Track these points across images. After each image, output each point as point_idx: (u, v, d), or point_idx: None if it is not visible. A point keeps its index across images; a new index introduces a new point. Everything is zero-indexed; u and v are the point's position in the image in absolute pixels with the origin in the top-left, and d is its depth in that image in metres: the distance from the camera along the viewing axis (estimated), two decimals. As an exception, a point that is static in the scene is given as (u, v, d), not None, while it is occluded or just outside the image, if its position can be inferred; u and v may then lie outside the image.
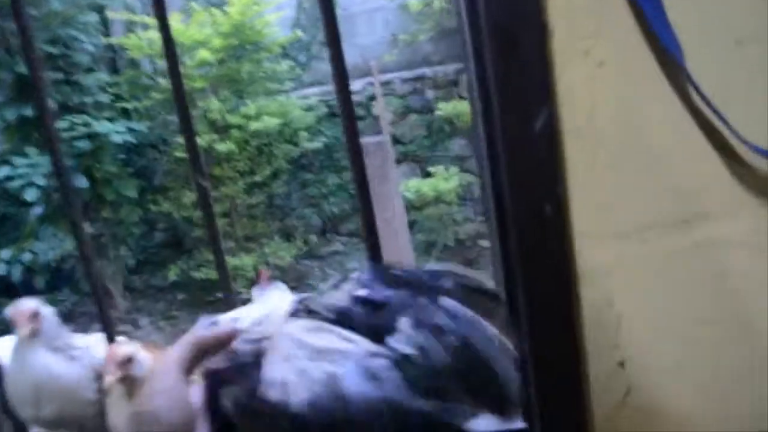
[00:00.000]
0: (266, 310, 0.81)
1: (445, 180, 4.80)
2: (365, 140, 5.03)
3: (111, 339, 0.93)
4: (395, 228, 4.23)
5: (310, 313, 0.74)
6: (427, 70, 5.51)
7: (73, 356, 0.87)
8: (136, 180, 4.52)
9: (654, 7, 0.63)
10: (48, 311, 0.86)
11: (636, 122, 0.70)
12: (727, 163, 0.69)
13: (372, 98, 5.29)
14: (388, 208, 3.85)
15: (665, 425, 0.79)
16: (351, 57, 5.47)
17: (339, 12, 5.32)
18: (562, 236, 0.72)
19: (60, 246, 4.33)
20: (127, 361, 0.75)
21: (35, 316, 0.83)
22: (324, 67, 5.58)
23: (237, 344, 0.71)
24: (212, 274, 4.37)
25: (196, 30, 4.07)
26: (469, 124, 5.07)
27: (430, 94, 5.52)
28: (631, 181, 0.71)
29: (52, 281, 4.67)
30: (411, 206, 4.87)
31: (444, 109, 4.91)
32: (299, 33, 4.98)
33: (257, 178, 4.59)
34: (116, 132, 3.96)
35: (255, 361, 0.68)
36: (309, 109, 5.16)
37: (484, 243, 5.35)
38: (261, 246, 4.73)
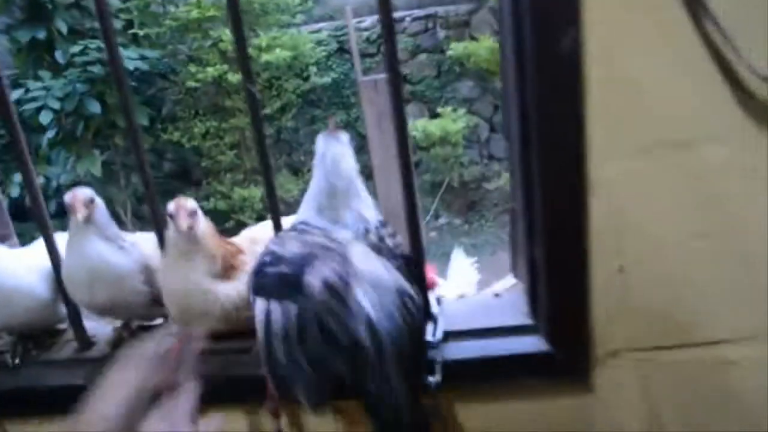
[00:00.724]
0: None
1: (453, 121, 4.83)
2: (377, 77, 5.04)
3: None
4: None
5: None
6: (439, 9, 5.45)
7: (123, 247, 0.96)
8: (147, 108, 4.56)
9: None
10: (100, 201, 0.94)
11: (648, 51, 0.77)
12: (731, 89, 0.76)
13: (380, 37, 5.25)
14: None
15: (663, 328, 0.89)
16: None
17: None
18: (577, 151, 0.80)
19: (72, 171, 4.40)
20: (193, 213, 0.84)
21: (90, 202, 0.90)
22: (335, 1, 5.52)
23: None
24: (221, 204, 4.46)
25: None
26: (479, 66, 5.08)
27: (441, 33, 5.48)
28: (641, 103, 0.79)
29: (63, 206, 4.77)
30: (418, 146, 4.92)
31: (455, 49, 4.89)
32: (312, -37, 4.93)
33: (267, 111, 4.62)
34: (129, 58, 3.97)
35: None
36: (319, 43, 5.14)
37: (489, 186, 5.43)
38: (268, 178, 4.80)
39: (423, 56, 5.52)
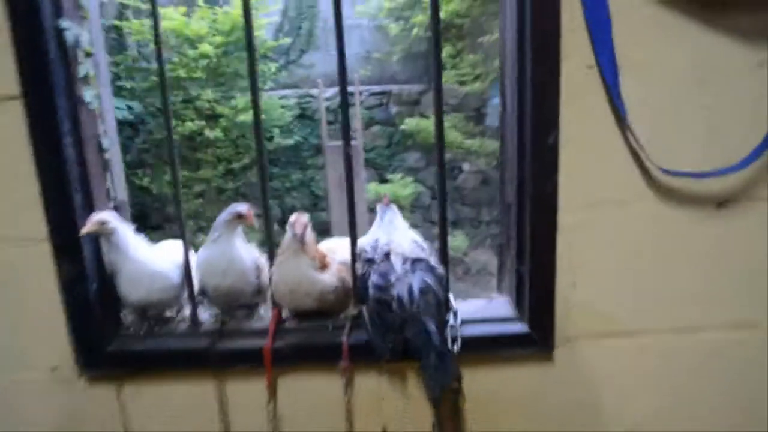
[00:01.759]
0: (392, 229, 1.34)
1: (402, 186, 5.37)
2: (341, 143, 5.54)
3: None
4: (360, 223, 4.79)
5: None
6: (393, 87, 6.10)
7: (247, 250, 1.36)
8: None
9: (611, 73, 1.21)
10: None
11: (595, 146, 1.28)
12: (640, 170, 1.28)
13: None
14: (358, 203, 4.39)
15: (599, 322, 1.37)
16: (327, 66, 6.00)
17: (320, 24, 5.84)
18: (553, 207, 1.29)
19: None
20: (305, 225, 1.27)
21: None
22: (300, 71, 6.06)
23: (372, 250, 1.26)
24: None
25: (198, 25, 4.48)
26: (427, 140, 5.69)
27: (393, 109, 6.10)
28: (590, 177, 1.29)
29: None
30: (369, 208, 5.41)
31: (408, 124, 5.50)
32: (287, 39, 5.47)
33: (233, 166, 5.00)
34: (117, 108, 4.30)
35: (385, 257, 1.23)
36: (284, 108, 5.62)
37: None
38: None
39: (376, 128, 6.11)
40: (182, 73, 4.51)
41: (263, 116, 4.47)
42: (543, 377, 1.40)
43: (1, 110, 1.22)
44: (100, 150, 1.31)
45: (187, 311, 1.42)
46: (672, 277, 1.36)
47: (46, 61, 1.17)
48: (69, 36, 1.19)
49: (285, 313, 1.39)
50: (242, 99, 4.78)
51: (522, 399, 1.41)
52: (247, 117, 4.70)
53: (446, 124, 5.53)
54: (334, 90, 5.96)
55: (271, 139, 5.44)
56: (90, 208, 1.29)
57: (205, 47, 4.46)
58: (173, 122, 4.78)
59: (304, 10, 5.74)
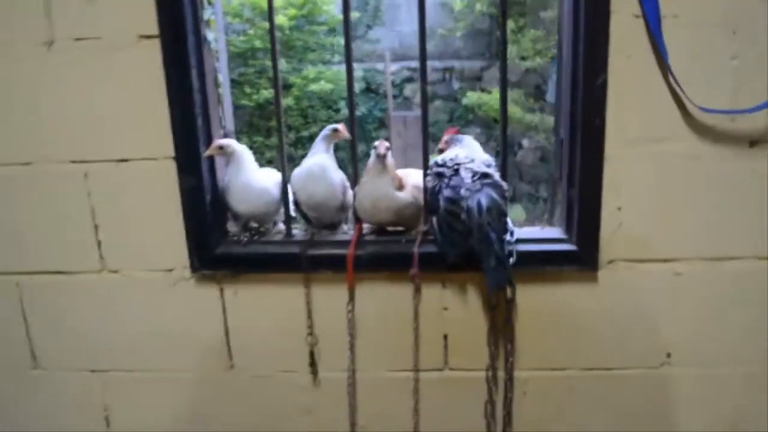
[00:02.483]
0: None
1: (462, 159, 5.53)
2: (405, 114, 5.78)
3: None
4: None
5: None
6: (456, 63, 6.26)
7: (336, 168, 1.62)
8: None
9: (655, 22, 1.38)
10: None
11: (639, 86, 1.45)
12: (680, 109, 1.45)
13: (406, 80, 6.01)
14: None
15: (640, 248, 1.55)
16: (390, 42, 6.21)
17: (386, 0, 6.05)
18: (600, 139, 1.47)
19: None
20: (388, 147, 1.51)
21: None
22: (366, 46, 6.29)
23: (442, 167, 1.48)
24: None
25: (274, -1, 4.76)
26: (489, 115, 5.84)
27: (456, 84, 6.26)
28: (632, 114, 1.47)
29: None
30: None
31: (470, 98, 5.66)
32: (356, 13, 5.70)
33: (304, 134, 5.30)
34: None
35: (455, 172, 1.45)
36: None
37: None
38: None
39: (438, 102, 6.28)
40: (258, 44, 4.82)
41: (333, 87, 4.74)
42: (588, 296, 1.59)
43: (141, 47, 1.50)
44: (216, 84, 1.58)
45: (281, 226, 1.69)
46: (705, 210, 1.52)
47: (179, 5, 1.43)
48: (198, -15, 1.45)
49: (365, 229, 1.63)
50: (313, 70, 5.06)
51: (568, 315, 1.61)
52: (317, 86, 4.98)
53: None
54: (399, 65, 6.18)
55: (338, 111, 5.70)
56: (208, 132, 1.56)
57: (280, 18, 4.75)
58: (248, 90, 5.13)
59: (371, -15, 5.97)
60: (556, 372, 1.65)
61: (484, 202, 1.43)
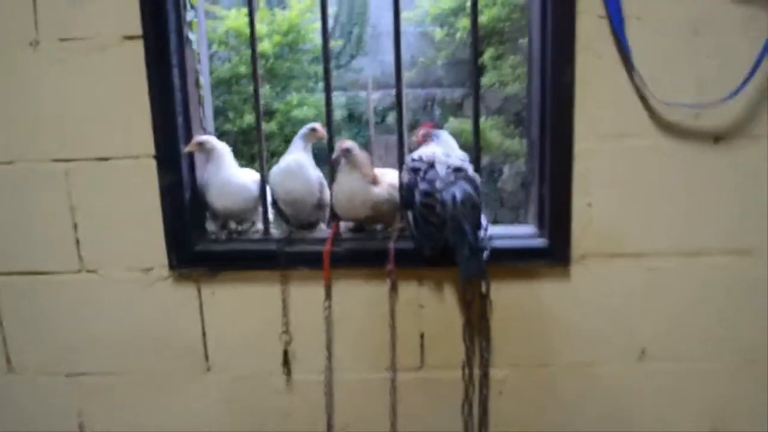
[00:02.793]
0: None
1: (444, 184, 5.60)
2: (387, 137, 5.85)
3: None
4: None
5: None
6: (437, 91, 6.38)
7: (313, 167, 1.66)
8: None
9: (618, 23, 1.45)
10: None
11: (604, 79, 1.51)
12: (643, 105, 1.51)
13: (388, 108, 6.12)
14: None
15: (610, 243, 1.59)
16: (373, 70, 6.33)
17: (368, 30, 6.18)
18: (569, 136, 1.52)
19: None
20: (347, 150, 1.54)
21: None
22: (349, 75, 6.40)
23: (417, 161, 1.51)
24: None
25: (259, 25, 4.86)
26: (468, 141, 5.94)
27: (437, 111, 6.37)
28: (597, 112, 1.52)
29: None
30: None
31: (451, 125, 5.75)
32: (340, 41, 5.82)
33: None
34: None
35: (430, 166, 1.49)
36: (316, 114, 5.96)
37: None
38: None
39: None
40: (242, 70, 4.89)
41: (317, 113, 4.79)
42: (561, 292, 1.62)
43: (125, 47, 1.54)
44: (197, 85, 1.62)
45: (260, 226, 1.71)
46: (674, 206, 1.57)
47: (163, 7, 1.48)
48: (180, -12, 1.50)
49: (342, 228, 1.66)
50: (296, 96, 5.13)
51: (542, 310, 1.63)
52: (301, 112, 5.04)
53: (487, 125, 5.77)
54: (381, 92, 6.29)
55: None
56: (188, 131, 1.59)
57: (265, 45, 4.83)
58: (231, 115, 5.18)
59: (354, 17, 6.10)
60: (532, 369, 1.67)
61: (458, 194, 1.47)
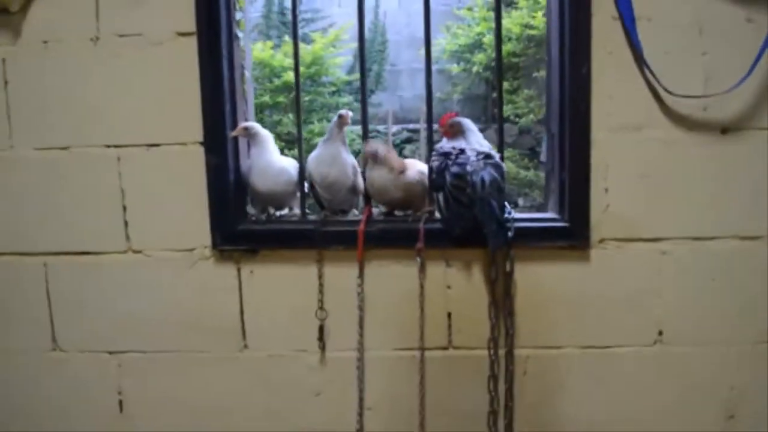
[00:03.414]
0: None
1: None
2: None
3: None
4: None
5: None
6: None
7: (348, 152, 1.80)
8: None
9: (630, 22, 1.58)
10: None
11: (618, 76, 1.64)
12: (655, 98, 1.63)
13: (406, 141, 6.29)
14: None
15: (628, 228, 1.68)
16: (392, 105, 6.54)
17: (387, 67, 6.41)
18: (587, 125, 1.64)
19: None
20: (371, 153, 1.68)
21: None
22: (369, 109, 6.59)
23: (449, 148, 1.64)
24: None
25: (283, 58, 5.10)
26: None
27: (453, 145, 6.53)
28: (614, 104, 1.64)
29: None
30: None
31: (466, 156, 5.89)
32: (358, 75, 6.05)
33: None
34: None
35: (461, 152, 1.61)
36: (352, 140, 6.14)
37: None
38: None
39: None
40: (267, 99, 5.10)
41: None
42: (581, 274, 1.71)
43: (178, 43, 1.69)
44: (242, 81, 1.76)
45: (297, 210, 1.83)
46: (686, 192, 1.67)
47: (216, 6, 1.64)
48: (231, -10, 1.66)
49: (375, 213, 1.77)
50: (318, 125, 5.32)
51: (563, 291, 1.72)
52: (321, 141, 5.21)
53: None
54: (399, 126, 6.48)
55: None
56: (234, 120, 1.73)
57: (288, 76, 5.06)
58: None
59: (374, 54, 6.35)
60: (553, 350, 1.74)
61: (487, 177, 1.59)
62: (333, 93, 5.78)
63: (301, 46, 5.28)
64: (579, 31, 1.61)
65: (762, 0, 1.60)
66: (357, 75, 6.02)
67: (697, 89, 1.62)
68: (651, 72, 1.61)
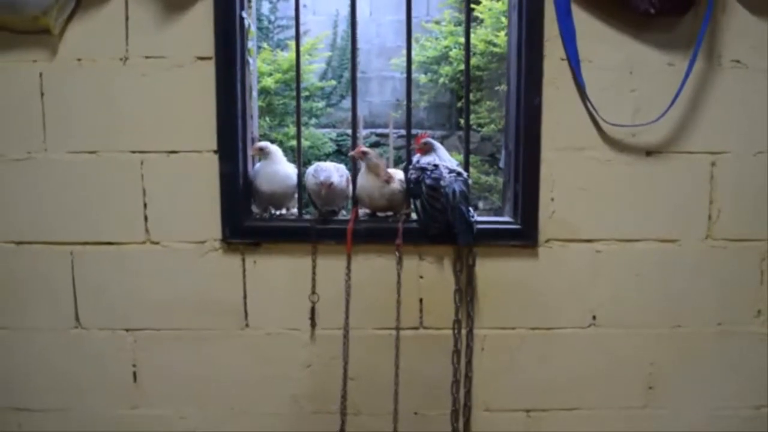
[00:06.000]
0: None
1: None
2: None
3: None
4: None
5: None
6: (419, 132, 6.90)
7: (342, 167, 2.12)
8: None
9: (576, 63, 1.95)
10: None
11: (563, 105, 2.00)
12: (593, 124, 2.00)
13: (374, 145, 6.61)
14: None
15: (570, 230, 2.05)
16: (362, 110, 6.86)
17: (358, 75, 6.73)
18: (537, 144, 2.00)
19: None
20: (365, 152, 2.01)
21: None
22: (339, 113, 6.92)
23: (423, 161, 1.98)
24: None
25: (260, 64, 5.36)
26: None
27: (419, 150, 6.89)
28: (558, 130, 2.01)
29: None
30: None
31: (432, 160, 6.26)
32: (332, 81, 6.37)
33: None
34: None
35: (435, 167, 1.96)
36: (323, 143, 6.45)
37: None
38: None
39: (401, 166, 6.88)
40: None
41: (311, 144, 5.26)
42: (530, 268, 2.07)
43: (197, 66, 1.99)
44: (250, 98, 2.07)
45: (294, 210, 2.14)
46: (617, 202, 2.04)
47: (233, 35, 1.94)
48: (245, 21, 1.97)
49: (360, 213, 2.10)
50: (292, 128, 5.60)
51: (515, 282, 2.07)
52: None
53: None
54: (368, 131, 6.80)
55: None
56: (243, 133, 2.03)
57: (267, 82, 5.33)
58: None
59: (345, 62, 6.66)
60: (506, 330, 2.10)
61: (458, 189, 1.94)
62: (307, 98, 6.07)
63: (278, 52, 5.58)
64: (533, 70, 1.97)
65: (681, 48, 1.99)
66: (330, 81, 6.34)
67: (628, 119, 2.00)
68: (591, 104, 1.98)
